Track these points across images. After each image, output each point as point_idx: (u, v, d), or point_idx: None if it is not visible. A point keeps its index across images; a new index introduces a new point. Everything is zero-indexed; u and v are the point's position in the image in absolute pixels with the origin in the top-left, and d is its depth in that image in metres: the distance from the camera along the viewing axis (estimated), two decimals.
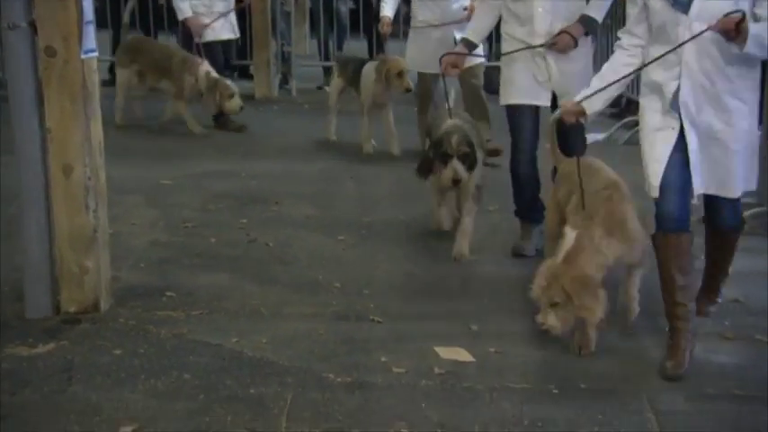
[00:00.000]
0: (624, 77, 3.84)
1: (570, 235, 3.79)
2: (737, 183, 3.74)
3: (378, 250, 5.16)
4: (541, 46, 4.73)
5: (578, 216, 3.88)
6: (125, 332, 4.05)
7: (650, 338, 4.00)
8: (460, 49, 5.05)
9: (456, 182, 4.87)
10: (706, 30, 3.47)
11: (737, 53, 3.50)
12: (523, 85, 4.84)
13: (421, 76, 7.13)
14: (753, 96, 3.72)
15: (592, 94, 3.89)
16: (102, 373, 3.67)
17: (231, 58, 8.84)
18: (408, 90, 7.00)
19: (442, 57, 4.99)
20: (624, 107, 9.28)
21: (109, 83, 9.21)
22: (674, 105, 3.68)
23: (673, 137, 3.67)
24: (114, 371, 3.69)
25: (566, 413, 3.39)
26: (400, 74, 6.92)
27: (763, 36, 3.45)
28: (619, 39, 3.93)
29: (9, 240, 4.82)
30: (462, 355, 3.87)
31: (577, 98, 3.97)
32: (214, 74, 7.87)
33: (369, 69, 7.22)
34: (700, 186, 3.71)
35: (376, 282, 4.70)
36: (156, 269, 4.83)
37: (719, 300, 4.21)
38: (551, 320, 3.69)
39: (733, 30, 3.38)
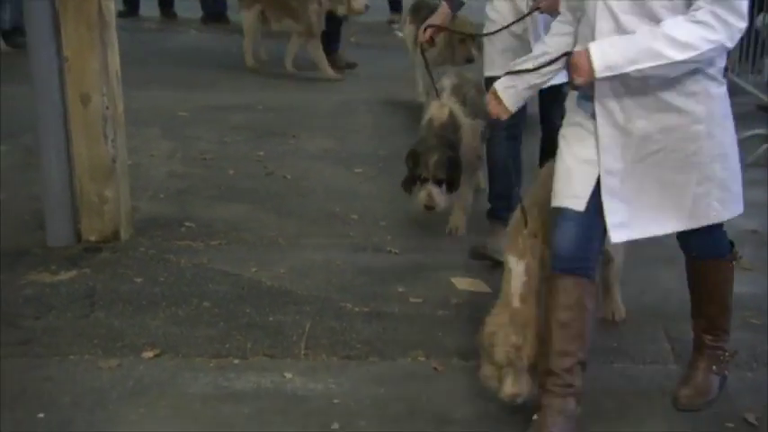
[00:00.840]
0: (551, 61, 2.82)
1: (518, 268, 2.92)
2: (695, 211, 2.78)
3: (395, 183, 5.12)
4: (523, 18, 3.78)
5: (521, 238, 2.96)
6: (145, 261, 4.11)
7: (665, 268, 4.00)
8: (442, 9, 4.09)
9: (429, 208, 4.27)
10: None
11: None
12: (499, 54, 3.92)
13: None
14: (710, 91, 2.68)
15: (513, 84, 2.92)
16: (123, 300, 3.73)
17: None
18: (470, 61, 5.84)
19: (425, 26, 4.04)
20: None
21: (123, 14, 9.14)
22: (583, 106, 2.78)
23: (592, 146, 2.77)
24: (136, 298, 3.75)
25: None
26: (463, 39, 5.76)
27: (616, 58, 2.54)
28: None
29: (28, 170, 4.86)
30: (478, 285, 3.91)
31: (499, 84, 2.95)
32: None
33: None
34: (621, 222, 2.77)
35: (393, 214, 4.72)
36: (175, 200, 4.86)
37: (726, 352, 3.13)
38: (525, 387, 2.89)
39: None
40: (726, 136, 2.78)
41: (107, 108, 4.11)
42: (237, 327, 3.54)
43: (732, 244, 3.06)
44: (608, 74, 2.55)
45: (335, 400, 3.08)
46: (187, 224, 4.52)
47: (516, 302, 2.90)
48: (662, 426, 2.97)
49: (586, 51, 2.56)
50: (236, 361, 3.30)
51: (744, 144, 5.60)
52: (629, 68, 2.53)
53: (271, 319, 3.61)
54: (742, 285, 3.85)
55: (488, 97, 2.99)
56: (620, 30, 2.60)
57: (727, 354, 3.12)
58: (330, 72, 7.57)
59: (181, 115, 6.43)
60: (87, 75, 4.05)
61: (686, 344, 3.40)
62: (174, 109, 6.55)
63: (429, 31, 4.00)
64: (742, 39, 6.37)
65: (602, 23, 2.61)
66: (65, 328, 3.51)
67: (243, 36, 8.03)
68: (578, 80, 2.60)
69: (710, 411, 3.02)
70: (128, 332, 3.48)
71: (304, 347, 3.40)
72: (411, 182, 4.36)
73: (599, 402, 3.08)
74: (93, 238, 4.24)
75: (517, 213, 3.05)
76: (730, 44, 2.54)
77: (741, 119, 5.71)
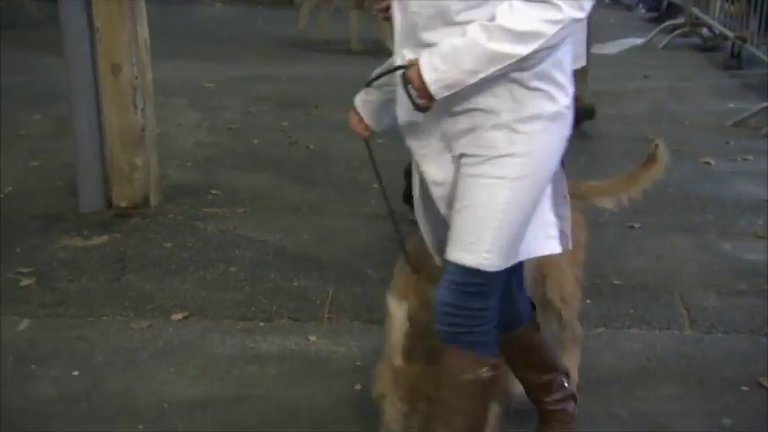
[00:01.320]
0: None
1: (399, 313, 2.40)
2: (469, 237, 2.14)
3: None
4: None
5: (403, 273, 2.45)
6: (174, 227, 4.21)
7: (682, 236, 4.06)
8: None
9: None
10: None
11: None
12: None
13: None
14: (521, 97, 2.11)
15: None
16: (153, 264, 3.84)
17: None
18: None
19: None
20: (664, 11, 9.11)
21: None
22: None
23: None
24: (165, 262, 3.86)
25: (598, 308, 3.49)
26: None
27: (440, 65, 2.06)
28: None
29: (61, 138, 4.97)
30: None
31: (357, 98, 2.53)
32: None
33: None
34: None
35: None
36: (202, 168, 4.97)
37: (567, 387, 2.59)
38: None
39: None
40: (540, 167, 2.14)
41: (137, 78, 4.20)
42: (263, 291, 3.63)
43: (533, 306, 2.44)
44: (448, 93, 2.07)
45: (358, 363, 3.15)
46: (213, 191, 4.62)
47: (398, 359, 2.40)
48: (676, 390, 3.01)
49: (417, 70, 2.07)
50: (262, 324, 3.39)
51: (760, 115, 5.65)
52: (472, 80, 2.05)
53: (295, 283, 3.70)
54: (756, 253, 3.94)
55: (350, 114, 2.50)
56: (409, 22, 2.13)
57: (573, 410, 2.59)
58: (356, 44, 7.65)
59: (207, 86, 6.53)
60: (118, 45, 4.13)
61: (701, 310, 3.48)
62: (200, 80, 6.64)
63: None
64: (761, 10, 6.37)
65: (397, 16, 2.17)
66: (97, 290, 3.62)
67: (267, 8, 8.09)
68: (423, 102, 2.11)
69: (725, 376, 3.06)
70: (158, 295, 3.59)
71: (327, 311, 3.49)
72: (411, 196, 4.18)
73: (614, 367, 3.13)
74: (123, 205, 4.35)
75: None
76: (581, 14, 2.02)
77: (757, 90, 5.78)
